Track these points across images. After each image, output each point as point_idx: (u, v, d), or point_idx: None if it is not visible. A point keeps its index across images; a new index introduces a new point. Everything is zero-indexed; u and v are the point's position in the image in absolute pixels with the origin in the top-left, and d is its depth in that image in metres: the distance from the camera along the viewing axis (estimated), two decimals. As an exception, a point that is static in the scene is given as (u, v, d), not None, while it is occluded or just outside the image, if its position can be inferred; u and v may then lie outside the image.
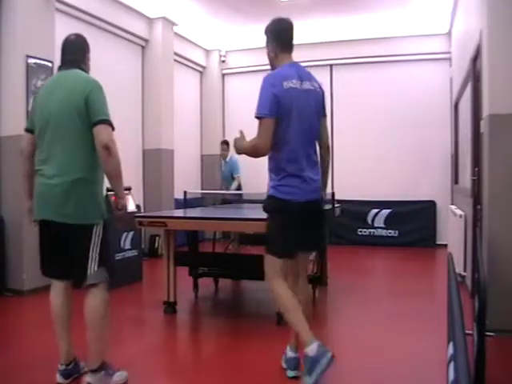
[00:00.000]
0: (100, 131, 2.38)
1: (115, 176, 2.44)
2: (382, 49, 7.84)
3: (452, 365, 1.13)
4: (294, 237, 2.54)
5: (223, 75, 9.05)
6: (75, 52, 2.59)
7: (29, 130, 2.59)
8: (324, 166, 2.75)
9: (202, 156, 8.90)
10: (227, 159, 7.44)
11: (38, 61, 4.64)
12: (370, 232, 7.88)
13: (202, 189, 8.52)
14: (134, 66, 6.94)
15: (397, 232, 7.73)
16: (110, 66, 6.29)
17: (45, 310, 4.19)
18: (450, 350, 1.23)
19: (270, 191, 2.58)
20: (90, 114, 2.39)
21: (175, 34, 7.40)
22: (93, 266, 2.42)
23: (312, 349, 2.32)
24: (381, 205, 7.83)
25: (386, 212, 7.78)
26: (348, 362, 2.87)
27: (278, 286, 2.53)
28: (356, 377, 2.72)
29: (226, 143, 7.42)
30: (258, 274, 4.46)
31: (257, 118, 2.48)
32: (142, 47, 7.08)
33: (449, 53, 7.42)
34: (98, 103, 2.42)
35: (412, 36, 7.66)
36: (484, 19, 3.56)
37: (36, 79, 4.62)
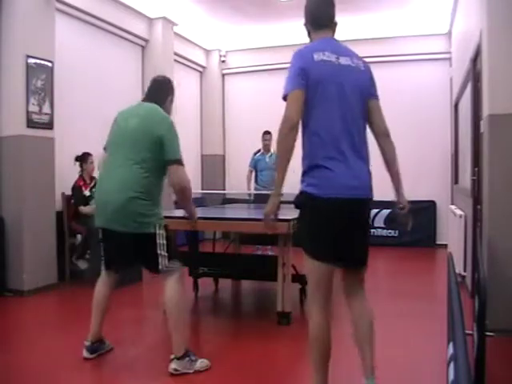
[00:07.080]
0: (175, 173, 2.68)
1: (187, 202, 2.97)
2: (382, 49, 7.82)
3: (452, 365, 1.13)
4: (327, 242, 2.07)
5: (223, 75, 9.04)
6: (159, 93, 2.89)
7: (105, 149, 2.92)
8: (388, 157, 2.33)
9: (202, 156, 8.90)
10: (272, 151, 6.58)
11: (38, 61, 4.63)
12: (369, 232, 7.86)
13: (202, 189, 8.52)
14: (134, 66, 6.93)
15: (397, 232, 7.73)
16: (110, 66, 6.30)
17: (45, 310, 4.21)
18: (450, 350, 1.23)
19: (300, 186, 2.12)
20: (164, 151, 2.64)
21: (175, 33, 7.39)
22: (164, 262, 2.70)
23: None
24: (381, 205, 7.75)
25: (386, 212, 7.78)
26: (347, 362, 2.87)
27: (312, 315, 2.14)
28: (356, 376, 2.72)
29: (268, 133, 6.57)
30: (258, 274, 4.50)
31: (283, 99, 2.05)
32: (142, 47, 7.08)
33: (449, 53, 7.42)
34: (173, 142, 2.67)
35: (412, 36, 7.66)
36: (484, 19, 3.56)
37: (36, 79, 4.61)
